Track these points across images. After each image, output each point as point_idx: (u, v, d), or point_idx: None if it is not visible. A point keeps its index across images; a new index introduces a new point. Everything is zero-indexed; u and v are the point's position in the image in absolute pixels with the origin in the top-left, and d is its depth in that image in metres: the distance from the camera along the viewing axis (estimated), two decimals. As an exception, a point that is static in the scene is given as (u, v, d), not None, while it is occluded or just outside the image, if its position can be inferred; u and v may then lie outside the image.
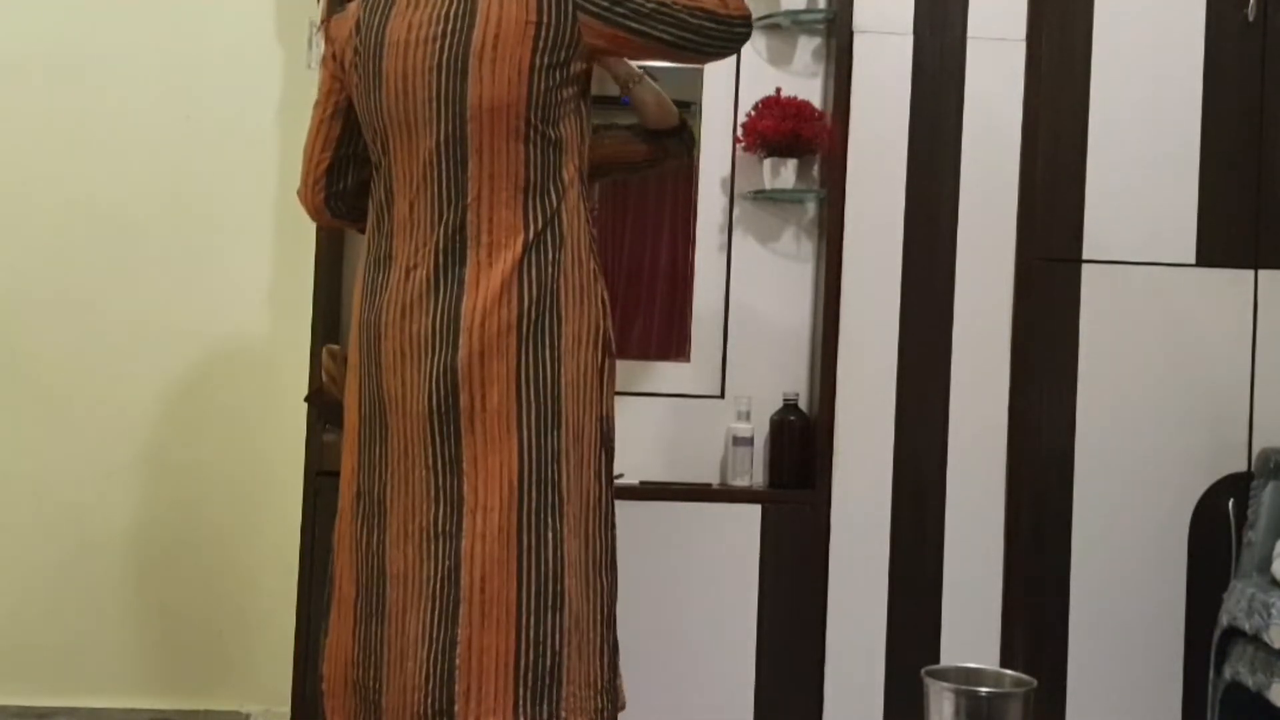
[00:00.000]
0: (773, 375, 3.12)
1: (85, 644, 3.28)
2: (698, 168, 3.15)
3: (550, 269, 2.18)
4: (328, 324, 2.96)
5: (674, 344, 3.17)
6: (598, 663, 2.19)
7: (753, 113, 3.06)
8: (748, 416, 3.07)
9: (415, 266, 2.21)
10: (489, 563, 2.13)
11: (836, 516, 3.02)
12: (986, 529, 3.04)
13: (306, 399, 2.89)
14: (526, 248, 2.17)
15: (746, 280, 3.12)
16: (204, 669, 3.30)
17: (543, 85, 2.16)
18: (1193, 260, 3.04)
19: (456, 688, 2.13)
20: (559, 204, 2.20)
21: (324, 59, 2.39)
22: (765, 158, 3.06)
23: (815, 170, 3.12)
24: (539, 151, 2.18)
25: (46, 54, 3.30)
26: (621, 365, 3.07)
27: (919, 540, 3.04)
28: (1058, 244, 3.04)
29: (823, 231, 3.10)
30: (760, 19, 3.11)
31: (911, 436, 3.04)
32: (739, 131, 3.08)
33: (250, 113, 3.32)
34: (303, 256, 3.05)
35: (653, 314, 3.22)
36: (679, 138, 2.53)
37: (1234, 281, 3.04)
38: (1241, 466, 3.02)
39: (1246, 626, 2.69)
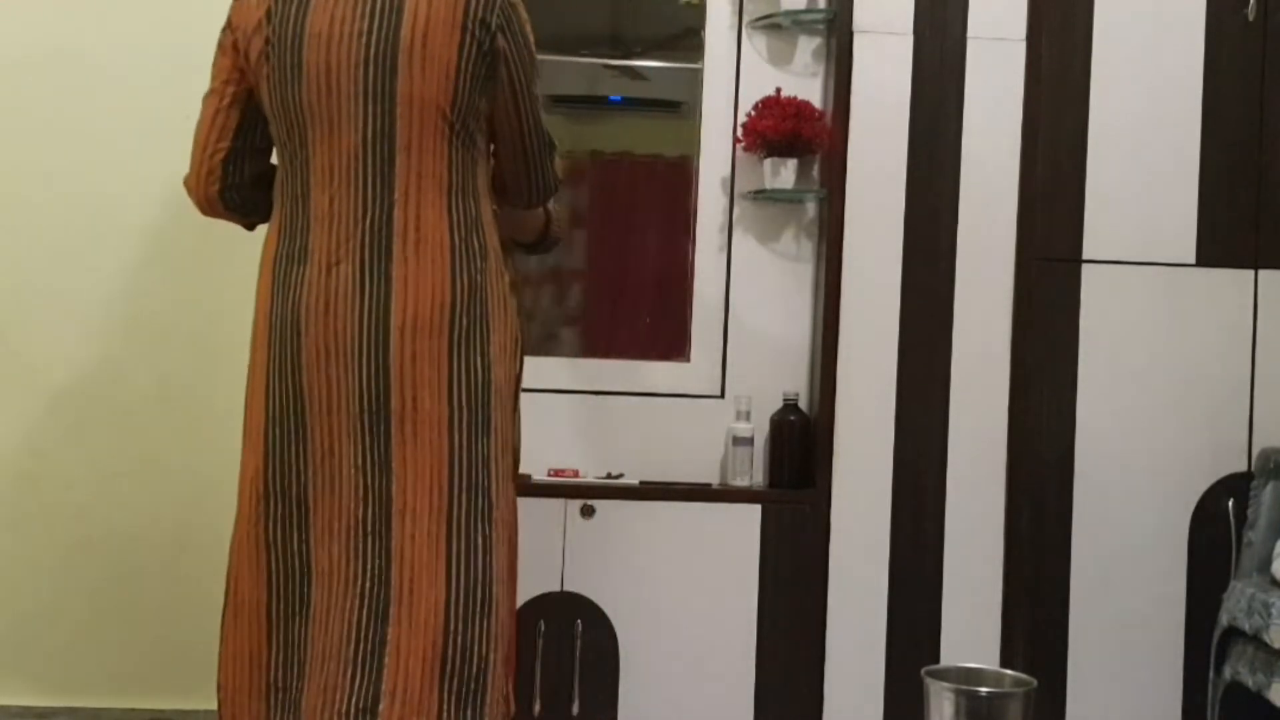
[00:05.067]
0: (773, 375, 3.12)
1: (85, 644, 3.28)
2: (698, 168, 3.15)
3: (479, 277, 2.21)
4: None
5: (674, 344, 3.17)
6: (507, 673, 2.23)
7: (753, 113, 3.06)
8: (748, 416, 3.07)
9: (338, 262, 2.19)
10: (417, 565, 2.15)
11: (836, 516, 3.02)
12: (986, 529, 3.04)
13: (306, 399, 2.89)
14: (454, 251, 2.19)
15: (746, 280, 3.13)
16: (204, 669, 3.28)
17: (466, 90, 2.19)
18: (1193, 260, 3.04)
19: (384, 686, 2.13)
20: (478, 213, 2.24)
21: (223, 46, 2.31)
22: (765, 158, 3.06)
23: (815, 170, 3.12)
24: (459, 156, 2.22)
25: (47, 54, 3.30)
26: (622, 365, 3.08)
27: (919, 540, 3.03)
28: (1058, 244, 3.04)
29: (823, 231, 3.10)
30: (760, 19, 3.11)
31: (911, 436, 3.04)
32: (739, 131, 3.08)
33: (250, 113, 3.32)
34: (303, 256, 3.04)
35: (653, 314, 3.22)
36: (544, 243, 2.60)
37: (1234, 281, 3.04)
38: (1241, 466, 3.02)
39: (1246, 626, 2.70)
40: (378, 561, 2.16)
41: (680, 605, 2.97)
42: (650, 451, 3.11)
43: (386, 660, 2.14)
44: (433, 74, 2.17)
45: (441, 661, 2.13)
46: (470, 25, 2.16)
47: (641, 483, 3.06)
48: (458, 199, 2.21)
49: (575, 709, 2.92)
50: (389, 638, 2.14)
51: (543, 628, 2.91)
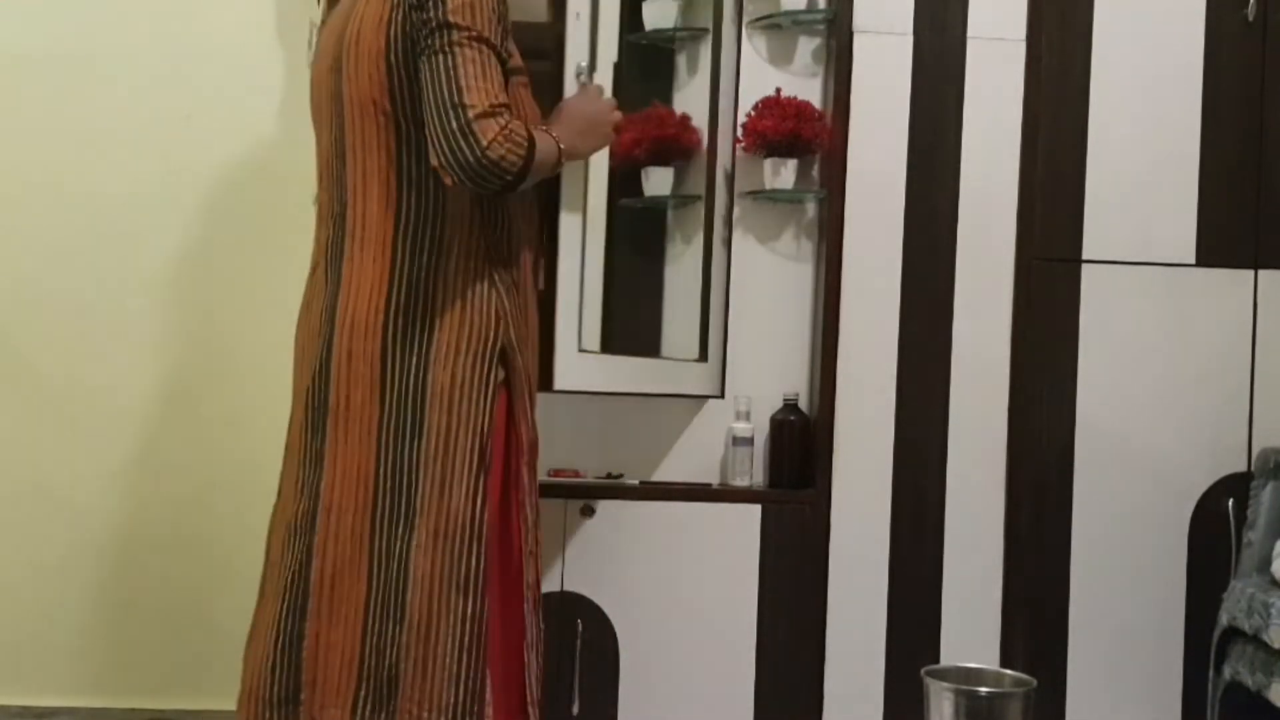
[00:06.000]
0: (773, 375, 3.12)
1: (85, 644, 3.28)
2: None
3: (423, 272, 2.17)
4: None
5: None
6: (450, 686, 2.12)
7: (753, 113, 3.06)
8: (748, 416, 3.07)
9: (316, 264, 2.29)
10: (340, 562, 2.16)
11: (836, 516, 3.02)
12: (986, 529, 3.04)
13: (306, 399, 2.90)
14: (396, 246, 2.17)
15: (746, 280, 3.12)
16: (204, 669, 3.29)
17: (402, 79, 2.15)
18: (1193, 260, 3.04)
19: (304, 677, 2.17)
20: (438, 205, 2.18)
21: None
22: (765, 158, 3.05)
23: (815, 170, 3.12)
24: (412, 149, 2.17)
25: (47, 53, 3.30)
26: (623, 363, 3.07)
27: (919, 540, 3.04)
28: (1058, 244, 3.04)
29: (823, 231, 3.10)
30: (760, 19, 3.11)
31: (911, 436, 3.04)
32: (739, 131, 3.08)
33: (250, 113, 3.32)
34: (302, 257, 3.04)
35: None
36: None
37: (1234, 281, 3.04)
38: (1241, 466, 3.02)
39: (1246, 626, 2.70)
40: (300, 556, 2.20)
41: (680, 605, 2.97)
42: (650, 451, 3.11)
43: (304, 653, 2.17)
44: (364, 70, 2.17)
45: (360, 659, 2.14)
46: (394, 14, 2.14)
47: (641, 483, 3.06)
48: (411, 194, 2.17)
49: (575, 709, 2.92)
50: (306, 631, 2.17)
51: (543, 627, 2.90)
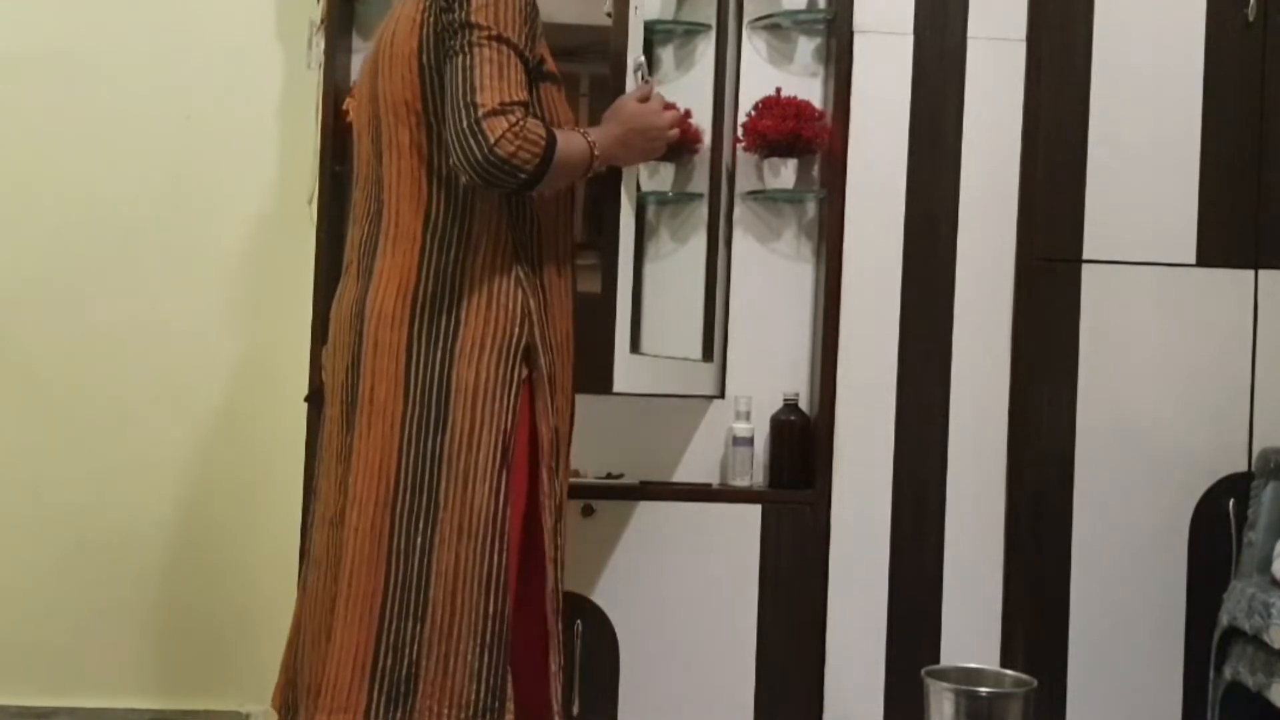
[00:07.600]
0: (773, 375, 3.12)
1: (85, 644, 3.28)
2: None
3: (451, 267, 2.17)
4: (327, 324, 2.95)
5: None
6: (471, 684, 2.12)
7: (753, 113, 3.06)
8: (748, 416, 3.07)
9: (351, 263, 2.28)
10: (359, 558, 2.14)
11: (836, 516, 3.02)
12: (986, 529, 3.04)
13: (306, 399, 2.90)
14: (425, 242, 2.17)
15: (746, 280, 3.12)
16: (204, 669, 3.30)
17: (433, 80, 2.15)
18: (1193, 260, 3.04)
19: (325, 677, 2.15)
20: (467, 203, 2.17)
21: None
22: (765, 158, 3.06)
23: (815, 170, 3.12)
24: (443, 149, 2.15)
25: (46, 54, 3.30)
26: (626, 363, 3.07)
27: (919, 540, 3.04)
28: (1058, 244, 3.04)
29: (823, 231, 3.10)
30: (760, 19, 3.11)
31: (911, 436, 3.04)
32: (739, 131, 3.08)
33: (250, 113, 3.32)
34: (302, 256, 3.05)
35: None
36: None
37: (1234, 281, 3.04)
38: (1241, 466, 3.02)
39: (1246, 626, 2.70)
40: (335, 552, 2.19)
41: (680, 605, 2.97)
42: (650, 451, 3.11)
43: (329, 652, 2.16)
44: (398, 70, 2.18)
45: (374, 658, 2.11)
46: (426, 15, 2.15)
47: (641, 483, 3.06)
48: (441, 193, 2.17)
49: (575, 709, 2.92)
50: (333, 629, 2.16)
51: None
